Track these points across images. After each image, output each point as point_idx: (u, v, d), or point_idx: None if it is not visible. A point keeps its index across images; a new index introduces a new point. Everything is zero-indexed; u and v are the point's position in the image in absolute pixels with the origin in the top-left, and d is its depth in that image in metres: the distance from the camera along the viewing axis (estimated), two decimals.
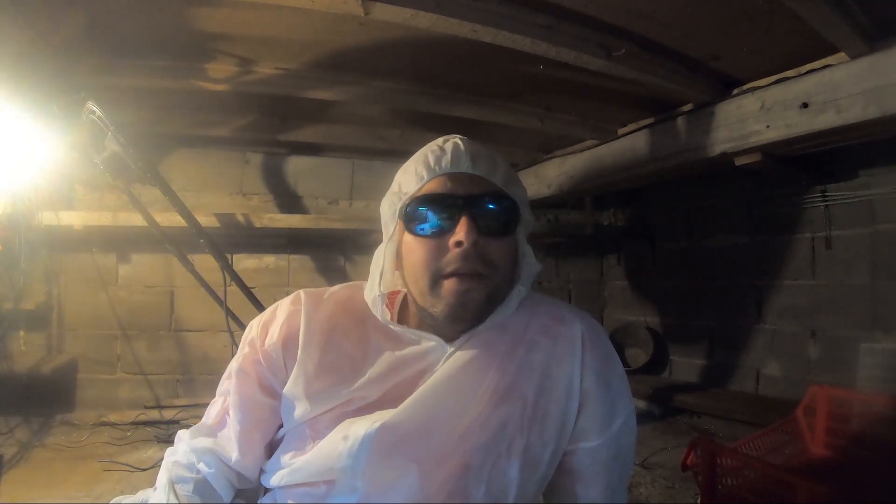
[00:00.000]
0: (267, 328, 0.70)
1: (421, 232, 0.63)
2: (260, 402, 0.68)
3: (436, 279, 0.62)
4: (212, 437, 0.69)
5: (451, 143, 0.66)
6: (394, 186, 0.69)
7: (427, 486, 0.58)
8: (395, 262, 0.69)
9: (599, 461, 0.66)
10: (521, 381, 0.64)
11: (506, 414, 0.63)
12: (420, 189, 0.64)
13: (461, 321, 0.64)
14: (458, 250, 0.60)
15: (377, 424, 0.60)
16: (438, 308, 0.63)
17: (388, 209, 0.68)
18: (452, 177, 0.63)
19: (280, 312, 0.70)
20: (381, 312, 0.68)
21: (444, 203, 0.62)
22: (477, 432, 0.61)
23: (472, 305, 0.62)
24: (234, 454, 0.67)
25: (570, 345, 0.67)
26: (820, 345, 2.46)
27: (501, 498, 0.60)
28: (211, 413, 0.72)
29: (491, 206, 0.63)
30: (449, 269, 0.61)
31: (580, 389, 0.65)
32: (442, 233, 0.62)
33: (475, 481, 0.59)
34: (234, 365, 0.71)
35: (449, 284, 0.61)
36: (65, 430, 2.41)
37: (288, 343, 0.67)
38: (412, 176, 0.65)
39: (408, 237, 0.65)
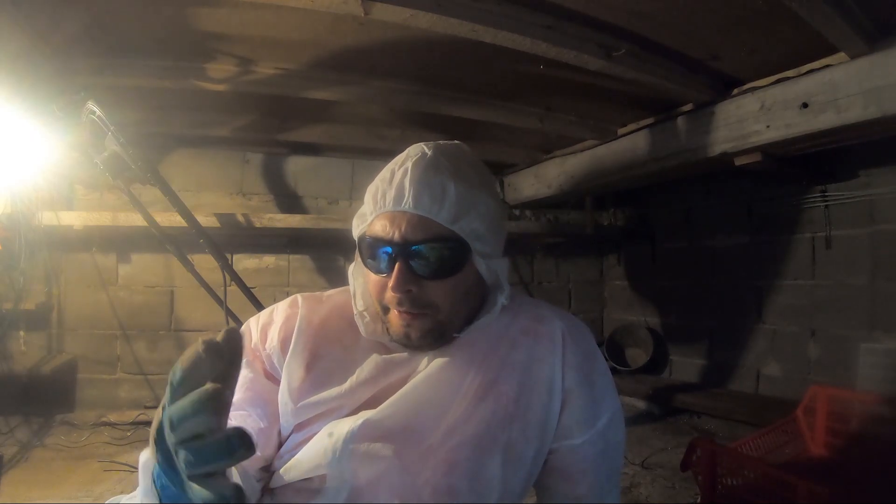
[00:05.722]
0: (266, 331, 0.71)
1: (369, 267, 0.66)
2: (275, 397, 0.68)
3: (384, 309, 0.66)
4: None
5: (402, 169, 0.64)
6: (363, 205, 0.69)
7: (411, 482, 0.59)
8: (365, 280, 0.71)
9: (585, 459, 0.66)
10: (502, 379, 0.65)
11: (488, 411, 0.63)
12: (369, 224, 0.65)
13: (410, 347, 0.67)
14: (394, 294, 0.62)
15: (360, 420, 0.61)
16: (390, 332, 0.66)
17: (354, 231, 0.70)
18: (394, 216, 0.62)
19: (277, 316, 0.72)
20: (363, 328, 0.70)
21: (382, 248, 0.63)
22: (460, 428, 0.62)
23: (415, 335, 0.64)
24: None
25: (550, 343, 0.67)
26: (820, 345, 2.46)
27: (485, 494, 0.61)
28: None
29: (428, 252, 0.62)
30: (390, 305, 0.64)
31: (562, 387, 0.66)
32: (383, 274, 0.64)
33: (459, 477, 0.60)
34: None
35: (392, 317, 0.65)
36: (65, 430, 2.41)
37: (285, 346, 0.69)
38: (367, 204, 0.67)
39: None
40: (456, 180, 0.63)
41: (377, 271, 0.65)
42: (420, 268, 0.62)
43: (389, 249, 0.62)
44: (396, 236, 0.62)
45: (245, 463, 0.63)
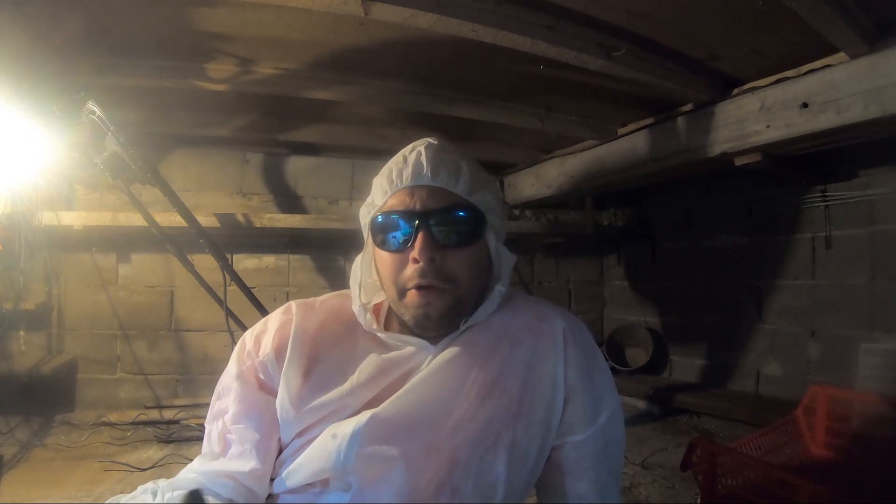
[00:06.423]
0: (260, 340, 0.71)
1: (385, 247, 0.66)
2: (270, 407, 0.67)
3: (401, 291, 0.66)
4: (222, 459, 0.65)
5: (415, 152, 0.67)
6: (370, 196, 0.71)
7: (415, 481, 0.59)
8: (372, 271, 0.72)
9: (587, 455, 0.67)
10: (505, 377, 0.66)
11: (492, 409, 0.64)
12: (384, 203, 0.67)
13: (428, 329, 0.67)
14: (416, 266, 0.63)
15: (366, 418, 0.61)
16: (407, 317, 0.66)
17: (362, 220, 0.71)
18: (413, 190, 0.65)
19: (271, 323, 0.72)
20: (365, 322, 0.69)
21: (403, 219, 0.64)
22: (465, 427, 0.62)
23: (434, 315, 0.65)
24: (250, 464, 0.63)
25: (552, 341, 0.68)
26: (820, 345, 2.46)
27: (489, 493, 0.61)
28: (213, 440, 0.68)
29: (450, 219, 0.65)
30: (410, 283, 0.64)
31: (564, 385, 0.67)
32: (403, 248, 0.64)
33: (463, 476, 0.60)
34: (226, 381, 0.70)
35: (411, 296, 0.65)
36: (65, 430, 2.41)
37: (280, 353, 0.68)
38: (379, 188, 0.68)
39: (377, 249, 0.68)
40: (467, 161, 0.68)
41: (396, 247, 0.65)
42: (441, 235, 0.64)
43: (411, 220, 0.64)
44: (418, 206, 0.64)
45: (248, 481, 0.63)
